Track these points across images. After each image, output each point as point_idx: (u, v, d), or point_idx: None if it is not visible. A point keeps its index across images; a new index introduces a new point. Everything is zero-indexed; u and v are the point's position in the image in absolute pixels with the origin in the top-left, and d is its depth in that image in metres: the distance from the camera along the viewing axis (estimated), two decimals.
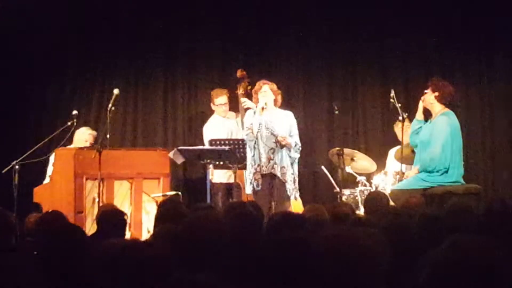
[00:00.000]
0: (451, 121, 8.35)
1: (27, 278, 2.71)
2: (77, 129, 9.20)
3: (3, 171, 8.48)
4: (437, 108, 8.38)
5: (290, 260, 3.02)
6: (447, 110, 8.39)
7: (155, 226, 5.40)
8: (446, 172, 8.21)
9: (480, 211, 5.39)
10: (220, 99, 9.59)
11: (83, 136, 9.25)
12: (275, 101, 8.70)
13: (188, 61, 10.70)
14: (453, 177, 8.23)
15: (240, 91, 9.48)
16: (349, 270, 2.86)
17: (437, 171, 8.19)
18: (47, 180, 8.80)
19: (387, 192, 8.24)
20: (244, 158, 8.56)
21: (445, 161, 8.19)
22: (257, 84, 8.71)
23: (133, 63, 10.63)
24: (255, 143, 8.46)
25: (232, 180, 8.77)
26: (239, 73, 9.61)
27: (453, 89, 8.47)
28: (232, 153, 8.28)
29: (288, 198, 8.42)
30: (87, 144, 9.12)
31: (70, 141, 9.17)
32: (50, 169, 8.98)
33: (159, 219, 5.52)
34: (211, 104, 9.71)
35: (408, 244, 3.92)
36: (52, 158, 8.96)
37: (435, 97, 8.36)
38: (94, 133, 9.31)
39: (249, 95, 9.36)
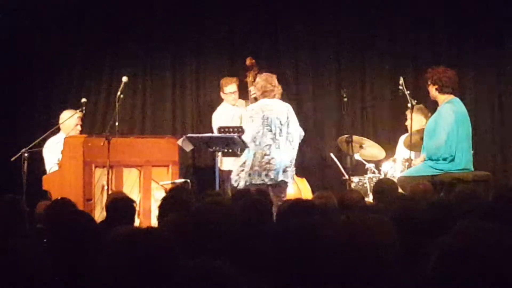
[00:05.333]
0: (456, 108, 8.32)
1: (37, 265, 2.73)
2: (62, 114, 9.15)
3: (12, 159, 8.51)
4: (441, 98, 8.36)
5: (299, 247, 3.03)
6: (451, 97, 8.36)
7: (159, 216, 5.39)
8: (453, 160, 8.19)
9: (489, 198, 5.39)
10: (229, 88, 9.61)
11: (73, 121, 9.05)
12: None
13: (196, 48, 10.70)
14: (461, 164, 8.21)
15: (250, 79, 9.48)
16: (358, 257, 2.86)
17: (444, 159, 8.18)
18: (54, 168, 8.81)
19: (396, 179, 8.23)
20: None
21: (451, 149, 8.17)
22: None
23: (141, 50, 10.63)
24: None
25: None
26: (248, 61, 9.60)
27: (452, 73, 8.40)
28: (240, 141, 8.28)
29: None
30: (78, 128, 9.10)
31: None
32: (49, 159, 8.99)
33: (162, 209, 5.50)
34: (221, 93, 9.72)
35: (417, 231, 3.92)
36: (47, 149, 8.99)
37: (436, 89, 8.34)
38: (80, 114, 9.05)
39: None
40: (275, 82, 8.63)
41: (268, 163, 8.30)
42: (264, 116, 8.36)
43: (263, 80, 8.59)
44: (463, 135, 8.29)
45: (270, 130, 8.34)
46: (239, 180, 8.36)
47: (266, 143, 8.32)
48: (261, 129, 8.32)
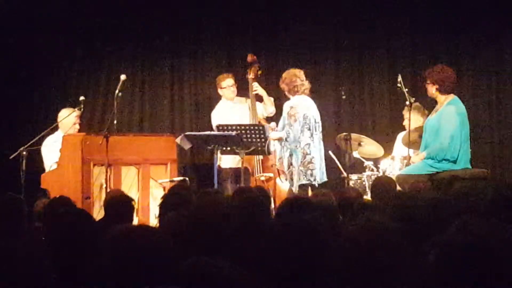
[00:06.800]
0: (459, 109, 8.31)
1: (35, 263, 2.72)
2: (60, 112, 9.15)
3: (11, 157, 8.51)
4: (442, 98, 8.34)
5: (299, 245, 3.03)
6: (452, 97, 8.35)
7: (160, 214, 5.38)
8: (455, 162, 8.19)
9: (488, 196, 5.38)
10: (226, 82, 9.55)
11: (71, 120, 9.03)
12: None
13: (194, 46, 10.69)
14: (460, 164, 8.21)
15: (251, 75, 9.46)
16: (361, 260, 2.85)
17: (446, 160, 8.17)
18: (53, 166, 8.81)
19: (394, 177, 8.22)
20: (251, 144, 8.53)
21: (454, 151, 8.16)
22: None
23: (140, 49, 10.63)
24: None
25: (240, 165, 8.76)
26: (249, 58, 9.57)
27: (451, 71, 8.39)
28: (238, 139, 8.27)
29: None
30: (76, 127, 9.09)
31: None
32: (47, 157, 8.99)
33: (163, 208, 5.49)
34: (218, 89, 9.68)
35: (415, 229, 3.91)
36: (46, 148, 8.99)
37: (436, 89, 8.32)
38: (78, 112, 9.02)
39: (259, 80, 9.35)
40: (303, 76, 8.56)
41: (310, 162, 8.30)
42: (305, 115, 8.34)
43: (292, 75, 8.51)
44: (465, 136, 8.29)
45: (309, 129, 8.33)
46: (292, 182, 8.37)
47: (306, 142, 8.31)
48: (301, 128, 8.31)
